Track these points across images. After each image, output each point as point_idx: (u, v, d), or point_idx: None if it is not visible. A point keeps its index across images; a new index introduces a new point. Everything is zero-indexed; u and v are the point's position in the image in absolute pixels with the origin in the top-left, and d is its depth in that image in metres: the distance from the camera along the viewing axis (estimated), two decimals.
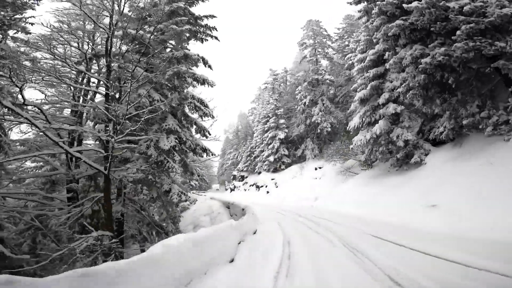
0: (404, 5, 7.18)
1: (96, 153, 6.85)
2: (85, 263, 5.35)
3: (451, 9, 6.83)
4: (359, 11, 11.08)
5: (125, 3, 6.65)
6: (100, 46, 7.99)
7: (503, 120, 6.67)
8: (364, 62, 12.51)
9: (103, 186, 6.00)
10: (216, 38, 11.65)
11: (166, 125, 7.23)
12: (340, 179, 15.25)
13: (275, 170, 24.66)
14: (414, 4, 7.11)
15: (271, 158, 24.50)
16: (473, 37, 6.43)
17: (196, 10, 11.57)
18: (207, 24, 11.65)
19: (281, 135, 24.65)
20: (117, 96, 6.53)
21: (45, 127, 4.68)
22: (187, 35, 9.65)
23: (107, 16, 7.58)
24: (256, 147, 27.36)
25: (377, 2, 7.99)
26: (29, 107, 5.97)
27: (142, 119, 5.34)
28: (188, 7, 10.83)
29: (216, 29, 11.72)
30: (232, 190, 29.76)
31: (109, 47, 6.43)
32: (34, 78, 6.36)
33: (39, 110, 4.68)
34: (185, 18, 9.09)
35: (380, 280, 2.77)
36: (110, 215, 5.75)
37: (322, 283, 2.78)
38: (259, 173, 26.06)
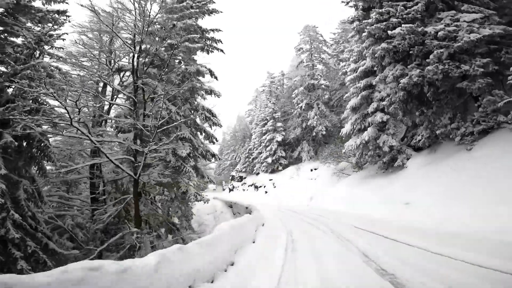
0: (389, 32, 8.44)
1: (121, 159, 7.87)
2: (121, 255, 6.43)
3: (428, 34, 8.12)
4: (353, 29, 12.32)
5: (148, 26, 7.72)
6: (122, 61, 9.02)
7: (469, 131, 7.98)
8: (356, 72, 13.78)
9: (130, 189, 7.06)
10: (221, 50, 12.79)
11: (181, 134, 8.34)
12: (334, 180, 16.55)
13: (273, 171, 25.88)
14: (397, 30, 8.39)
15: (269, 160, 25.72)
16: (443, 60, 7.74)
17: (203, 22, 12.62)
18: (213, 37, 12.77)
19: (279, 137, 25.88)
20: (141, 108, 7.59)
21: (98, 141, 5.73)
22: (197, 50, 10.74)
23: (129, 34, 8.65)
24: (255, 149, 28.52)
25: (367, 27, 9.22)
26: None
27: (164, 129, 6.44)
28: (196, 21, 11.96)
29: (221, 41, 12.83)
30: (230, 190, 30.86)
31: (135, 65, 7.50)
32: (65, 92, 7.37)
33: (85, 125, 5.73)
34: (196, 35, 10.17)
35: (356, 253, 3.96)
36: (138, 214, 6.84)
37: (316, 255, 3.95)
38: (257, 174, 27.23)
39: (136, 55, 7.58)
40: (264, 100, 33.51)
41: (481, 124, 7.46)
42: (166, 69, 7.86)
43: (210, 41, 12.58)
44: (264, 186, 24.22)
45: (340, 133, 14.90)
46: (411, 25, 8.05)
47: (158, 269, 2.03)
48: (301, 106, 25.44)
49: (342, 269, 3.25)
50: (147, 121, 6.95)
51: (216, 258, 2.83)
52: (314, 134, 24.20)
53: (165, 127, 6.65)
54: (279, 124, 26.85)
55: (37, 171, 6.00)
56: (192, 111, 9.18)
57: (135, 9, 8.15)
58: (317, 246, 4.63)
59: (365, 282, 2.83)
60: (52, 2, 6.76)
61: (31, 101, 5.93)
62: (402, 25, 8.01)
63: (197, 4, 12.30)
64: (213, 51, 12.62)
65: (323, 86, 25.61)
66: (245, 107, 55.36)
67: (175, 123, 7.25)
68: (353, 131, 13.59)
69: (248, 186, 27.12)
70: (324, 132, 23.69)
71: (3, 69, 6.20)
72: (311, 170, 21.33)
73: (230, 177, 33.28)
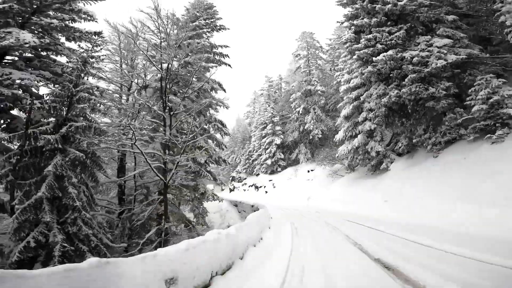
0: (374, 58, 10.15)
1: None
2: (155, 246, 7.99)
3: (405, 59, 9.84)
4: (346, 48, 14.00)
5: (175, 55, 9.26)
6: (149, 79, 10.53)
7: (437, 141, 9.74)
8: (349, 83, 15.49)
9: (162, 191, 8.62)
10: (229, 65, 14.38)
11: (198, 143, 9.92)
12: (329, 181, 18.29)
13: (272, 172, 27.56)
14: (380, 57, 10.11)
15: (269, 162, 27.40)
16: (415, 83, 9.48)
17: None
18: (221, 52, 14.35)
19: (278, 140, 27.56)
20: (168, 122, 9.14)
21: (147, 152, 7.30)
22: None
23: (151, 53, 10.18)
24: (255, 151, 30.13)
25: (356, 51, 10.93)
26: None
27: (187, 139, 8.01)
28: (207, 39, 13.53)
29: (228, 56, 14.40)
30: (231, 190, 32.44)
31: (164, 86, 9.05)
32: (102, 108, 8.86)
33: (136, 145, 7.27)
34: (210, 55, 11.74)
35: (341, 237, 5.61)
36: (166, 212, 8.41)
37: (312, 236, 5.59)
38: (257, 174, 28.87)
39: (164, 77, 9.12)
40: (263, 104, 35.18)
41: (446, 136, 9.23)
42: (188, 89, 9.42)
43: (219, 56, 14.17)
44: (264, 187, 25.87)
45: (334, 139, 16.64)
46: (392, 51, 9.78)
47: (236, 236, 3.61)
48: (299, 111, 27.16)
49: (329, 243, 4.90)
50: (171, 133, 8.51)
51: (253, 234, 4.48)
52: (311, 137, 25.95)
53: (191, 141, 8.23)
54: (278, 127, 28.52)
55: (90, 178, 7.50)
56: (207, 123, 10.75)
57: (160, 32, 9.73)
58: (313, 231, 6.26)
59: (343, 249, 4.48)
60: (83, 20, 7.96)
61: (82, 118, 7.40)
62: (384, 53, 9.72)
63: (207, 22, 13.91)
64: (221, 65, 14.23)
65: (319, 91, 27.34)
66: (243, 108, 56.89)
67: (198, 138, 8.84)
68: (345, 137, 15.32)
69: (249, 186, 28.72)
70: (320, 136, 25.44)
71: (52, 87, 7.62)
72: (308, 172, 23.06)
73: (231, 178, 34.84)
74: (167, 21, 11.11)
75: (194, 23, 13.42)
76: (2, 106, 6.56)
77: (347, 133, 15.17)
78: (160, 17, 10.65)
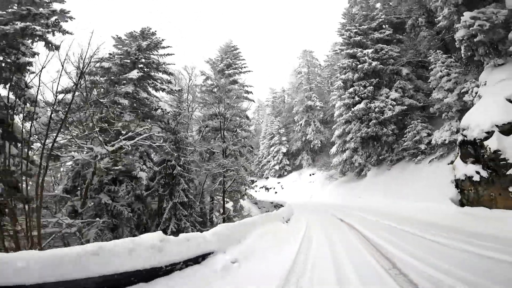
0: (353, 108, 16.30)
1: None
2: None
3: (371, 108, 15.99)
4: (336, 93, 20.15)
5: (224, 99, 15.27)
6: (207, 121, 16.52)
7: (391, 159, 15.90)
8: (340, 109, 21.58)
9: (206, 195, 14.69)
10: (253, 101, 20.51)
11: (242, 164, 15.96)
12: (326, 183, 24.46)
13: (280, 176, 33.71)
14: (356, 108, 16.29)
15: (276, 167, 33.56)
16: (376, 125, 15.59)
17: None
18: (247, 90, 20.32)
19: (284, 149, 33.72)
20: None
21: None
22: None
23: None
24: (264, 158, 36.21)
25: (343, 100, 17.05)
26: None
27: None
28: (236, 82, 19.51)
29: (252, 92, 20.39)
30: None
31: (222, 127, 15.05)
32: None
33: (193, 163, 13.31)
34: (243, 100, 17.80)
35: (330, 214, 11.66)
36: (224, 207, 14.48)
37: (317, 215, 11.66)
38: (267, 178, 34.97)
39: (222, 121, 15.12)
40: (269, 115, 41.27)
41: (396, 156, 15.40)
42: (237, 129, 15.47)
43: (247, 94, 20.16)
44: (274, 188, 31.97)
45: (330, 152, 22.79)
46: (363, 104, 15.96)
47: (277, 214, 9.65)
48: (301, 123, 33.28)
49: (322, 215, 11.00)
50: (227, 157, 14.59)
51: (289, 213, 10.58)
52: (312, 146, 32.08)
53: (241, 163, 14.29)
54: (283, 138, 34.66)
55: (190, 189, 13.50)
56: (243, 147, 16.73)
57: (218, 87, 15.74)
58: (316, 213, 12.33)
59: (329, 217, 10.57)
60: (160, 73, 13.95)
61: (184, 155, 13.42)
62: (358, 105, 15.90)
63: (238, 68, 19.90)
64: (245, 101, 20.25)
65: (318, 107, 33.41)
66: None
67: (242, 160, 14.92)
68: (337, 152, 21.45)
69: (260, 188, 34.69)
70: (319, 145, 31.58)
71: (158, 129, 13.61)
72: (310, 175, 29.22)
73: None
74: (214, 70, 17.32)
75: (229, 71, 19.42)
76: (151, 150, 12.52)
77: (339, 148, 21.31)
78: (214, 69, 16.81)
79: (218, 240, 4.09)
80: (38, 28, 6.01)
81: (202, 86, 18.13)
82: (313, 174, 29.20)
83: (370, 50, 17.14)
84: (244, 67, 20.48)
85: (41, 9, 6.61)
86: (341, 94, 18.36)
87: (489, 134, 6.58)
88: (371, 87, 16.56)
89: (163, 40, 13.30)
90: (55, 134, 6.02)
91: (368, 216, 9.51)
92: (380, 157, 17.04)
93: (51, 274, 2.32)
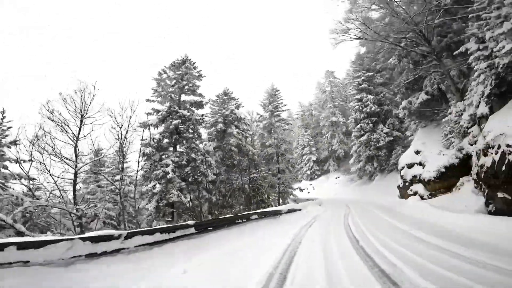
0: (359, 139, 26.40)
1: None
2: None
3: (371, 139, 25.86)
4: (351, 127, 30.25)
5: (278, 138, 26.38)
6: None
7: (388, 169, 25.63)
8: (353, 135, 31.42)
9: (277, 194, 25.78)
10: (292, 130, 31.37)
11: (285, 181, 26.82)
12: (347, 184, 34.34)
13: (311, 179, 44.03)
14: (361, 139, 26.33)
15: (308, 172, 43.93)
16: (374, 149, 25.43)
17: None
18: (287, 123, 31.18)
19: (313, 157, 43.97)
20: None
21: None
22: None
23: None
24: (297, 165, 46.72)
25: (354, 133, 27.13)
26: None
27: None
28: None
29: (291, 123, 31.24)
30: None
31: (277, 150, 26.11)
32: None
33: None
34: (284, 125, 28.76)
35: (344, 204, 21.92)
36: (279, 201, 25.50)
37: (334, 205, 22.03)
38: (300, 181, 45.39)
39: (278, 151, 26.23)
40: (299, 127, 51.57)
41: (390, 167, 25.13)
42: (285, 154, 26.45)
43: (287, 126, 31.02)
44: (307, 189, 42.27)
45: (350, 161, 32.70)
46: (366, 136, 25.91)
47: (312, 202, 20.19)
48: (327, 136, 43.17)
49: (338, 204, 21.38)
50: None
51: (320, 202, 21.10)
52: (337, 154, 41.85)
53: (294, 175, 25.13)
54: (313, 148, 44.93)
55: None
56: (288, 163, 27.48)
57: (270, 124, 26.88)
58: (336, 203, 22.63)
59: (341, 205, 20.95)
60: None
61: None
62: (363, 137, 25.94)
63: (280, 108, 30.86)
64: (287, 130, 31.16)
65: (341, 122, 43.05)
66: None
67: (289, 177, 25.80)
68: (354, 162, 31.35)
69: (295, 189, 45.37)
70: (343, 153, 41.23)
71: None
72: (335, 178, 39.13)
73: None
74: (265, 110, 28.53)
75: (276, 112, 30.35)
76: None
77: (355, 159, 31.22)
78: (264, 109, 28.06)
79: (303, 206, 15.17)
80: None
81: (259, 123, 29.33)
82: (338, 177, 39.09)
83: (371, 97, 26.91)
84: (284, 105, 31.29)
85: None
86: (352, 126, 28.39)
87: (403, 167, 16.59)
88: (371, 124, 26.33)
89: (239, 99, 24.73)
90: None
91: (360, 203, 19.82)
92: (381, 168, 26.75)
93: None
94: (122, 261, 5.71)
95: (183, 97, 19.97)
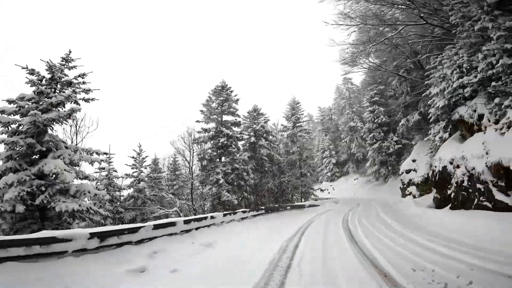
0: (372, 146, 30.96)
1: None
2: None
3: (382, 147, 30.26)
4: (366, 132, 34.78)
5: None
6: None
7: (397, 172, 29.92)
8: (368, 137, 35.73)
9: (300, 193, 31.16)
10: (312, 139, 36.54)
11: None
12: (365, 185, 38.66)
13: (332, 180, 48.62)
14: (374, 146, 30.79)
15: (328, 174, 48.58)
16: (385, 155, 29.81)
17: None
18: (308, 132, 36.37)
19: (333, 160, 48.55)
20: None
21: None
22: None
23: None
24: (318, 167, 51.54)
25: (367, 141, 31.71)
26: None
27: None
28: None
29: (310, 132, 36.39)
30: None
31: (300, 157, 31.51)
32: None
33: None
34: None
35: (356, 200, 26.71)
36: (302, 198, 30.86)
37: (349, 203, 26.89)
38: (321, 182, 50.20)
39: (301, 158, 31.61)
40: (320, 131, 56.15)
41: (396, 171, 29.43)
42: (306, 160, 31.75)
43: (308, 134, 36.24)
44: (327, 189, 47.01)
45: (366, 164, 37.05)
46: (378, 144, 30.43)
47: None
48: (346, 141, 47.48)
49: (352, 202, 26.25)
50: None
51: (337, 200, 26.15)
52: (355, 157, 46.05)
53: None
54: (333, 152, 49.50)
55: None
56: (309, 167, 32.61)
57: (293, 135, 32.38)
58: (351, 202, 27.45)
59: (354, 202, 25.79)
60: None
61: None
62: (375, 144, 30.49)
63: (301, 120, 36.17)
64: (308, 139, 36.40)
65: (359, 127, 47.11)
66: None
67: (311, 180, 31.02)
68: (371, 165, 35.69)
69: (316, 190, 50.20)
70: (361, 156, 45.34)
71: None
72: (354, 179, 43.45)
73: None
74: (288, 121, 34.03)
75: (298, 123, 35.69)
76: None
77: (371, 163, 35.59)
78: (287, 120, 33.53)
79: (321, 203, 20.61)
80: None
81: (283, 132, 34.84)
82: (356, 179, 43.38)
83: (382, 109, 31.25)
84: (305, 116, 36.51)
85: None
86: (366, 135, 32.92)
87: (402, 172, 21.21)
88: (383, 133, 30.69)
89: (266, 114, 30.38)
90: None
91: (371, 201, 24.60)
92: (393, 170, 31.02)
93: None
94: (231, 225, 11.66)
95: (224, 117, 26.08)
